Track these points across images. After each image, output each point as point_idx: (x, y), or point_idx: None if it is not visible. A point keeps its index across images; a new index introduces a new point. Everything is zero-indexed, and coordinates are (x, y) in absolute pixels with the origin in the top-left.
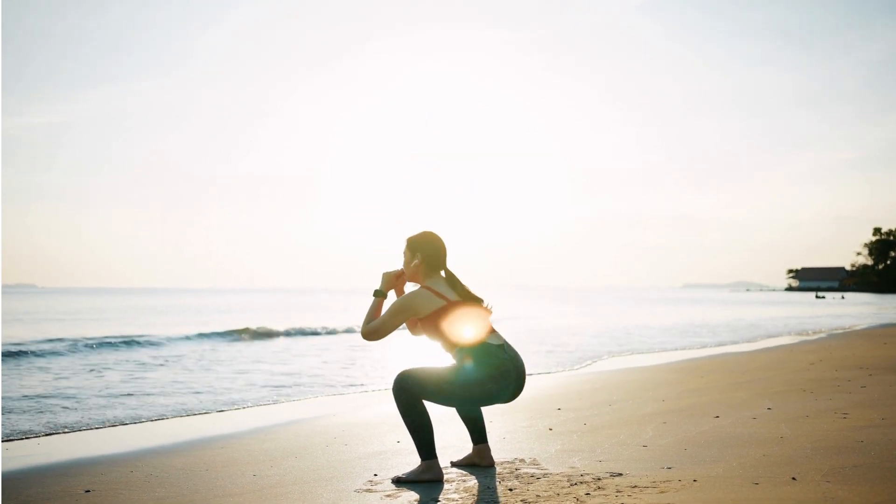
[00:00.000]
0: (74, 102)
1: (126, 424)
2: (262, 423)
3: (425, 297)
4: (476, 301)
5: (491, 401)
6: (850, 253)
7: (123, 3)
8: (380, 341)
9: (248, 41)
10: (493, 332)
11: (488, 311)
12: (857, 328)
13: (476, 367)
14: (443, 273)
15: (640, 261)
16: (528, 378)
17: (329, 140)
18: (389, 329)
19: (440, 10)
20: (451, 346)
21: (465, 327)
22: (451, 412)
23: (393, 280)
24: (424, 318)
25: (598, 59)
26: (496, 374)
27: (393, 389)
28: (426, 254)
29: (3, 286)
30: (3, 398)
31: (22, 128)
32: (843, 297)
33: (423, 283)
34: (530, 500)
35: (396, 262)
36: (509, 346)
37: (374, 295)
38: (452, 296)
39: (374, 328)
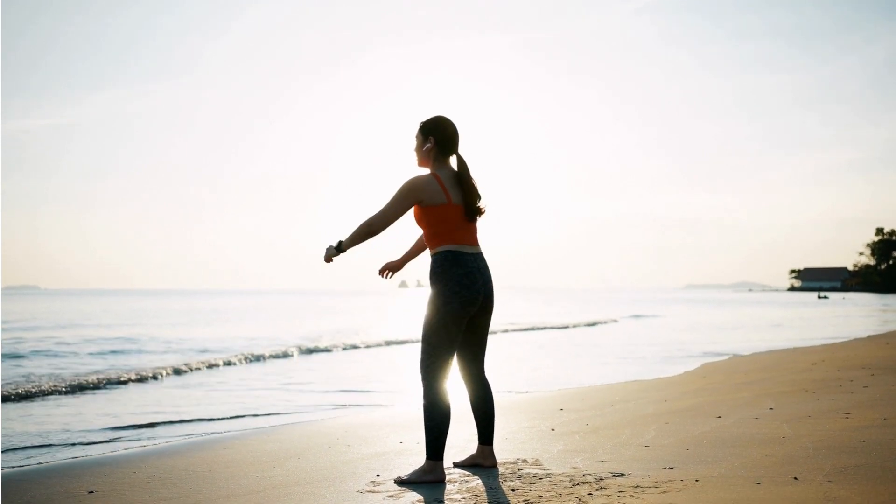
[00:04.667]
0: (80, 106)
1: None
2: (265, 424)
3: (432, 187)
4: (472, 203)
5: (467, 307)
6: (851, 253)
7: (129, 8)
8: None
9: (253, 47)
10: (474, 242)
11: (481, 211)
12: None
13: (445, 275)
14: (453, 159)
15: (642, 262)
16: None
17: (334, 143)
18: (398, 214)
19: (440, 16)
20: (432, 242)
21: (450, 231)
22: (455, 412)
23: (331, 256)
24: (421, 208)
25: (597, 61)
26: (464, 280)
27: (421, 382)
28: (439, 137)
29: (7, 287)
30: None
31: (27, 131)
32: (843, 298)
33: (433, 170)
34: (532, 500)
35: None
36: (482, 258)
37: (339, 249)
38: (454, 196)
39: (383, 212)
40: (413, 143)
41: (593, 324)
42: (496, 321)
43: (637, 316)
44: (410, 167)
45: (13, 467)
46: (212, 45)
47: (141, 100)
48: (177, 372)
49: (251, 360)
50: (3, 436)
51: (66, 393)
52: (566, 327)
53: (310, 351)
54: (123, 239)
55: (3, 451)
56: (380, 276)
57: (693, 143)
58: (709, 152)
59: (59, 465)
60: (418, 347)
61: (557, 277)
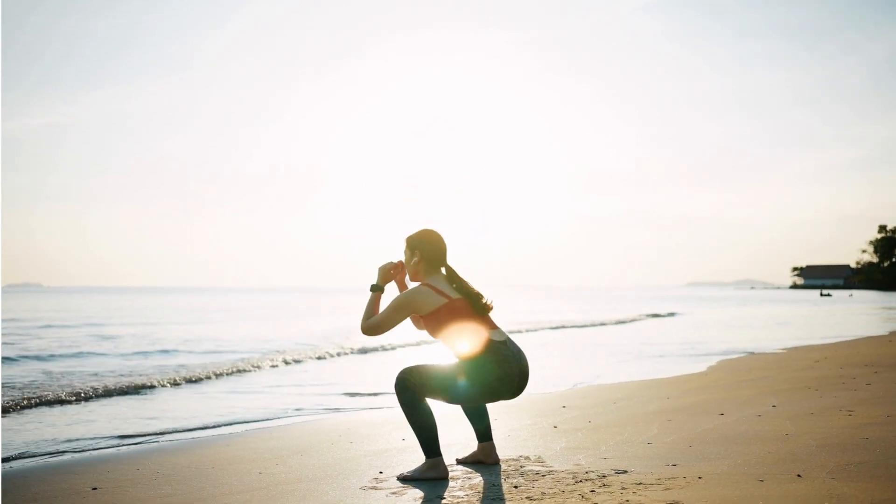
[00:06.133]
0: (78, 104)
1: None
2: (267, 422)
3: (426, 295)
4: (477, 298)
5: (494, 397)
6: (853, 251)
7: (127, 6)
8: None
9: (250, 43)
10: (494, 328)
11: (489, 307)
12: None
13: (478, 364)
14: (444, 270)
15: (644, 259)
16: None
17: (332, 140)
18: (390, 325)
19: (441, 12)
20: (454, 343)
21: (467, 324)
22: (456, 410)
23: (389, 273)
24: (426, 315)
25: (599, 58)
26: (499, 371)
27: (395, 387)
28: (426, 252)
29: (10, 286)
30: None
31: (25, 129)
32: (850, 295)
33: (424, 281)
34: (535, 497)
35: (396, 257)
36: (512, 342)
37: (372, 290)
38: (453, 293)
39: (375, 324)
40: (402, 256)
41: (621, 322)
42: (519, 320)
43: (657, 315)
44: (413, 169)
45: (17, 465)
46: (209, 42)
47: (139, 97)
48: (216, 375)
49: (288, 363)
50: (32, 441)
51: (103, 397)
52: (591, 325)
53: (363, 351)
54: (123, 236)
55: (27, 457)
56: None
57: (694, 141)
58: (710, 150)
59: (62, 462)
60: (415, 361)
61: (557, 275)
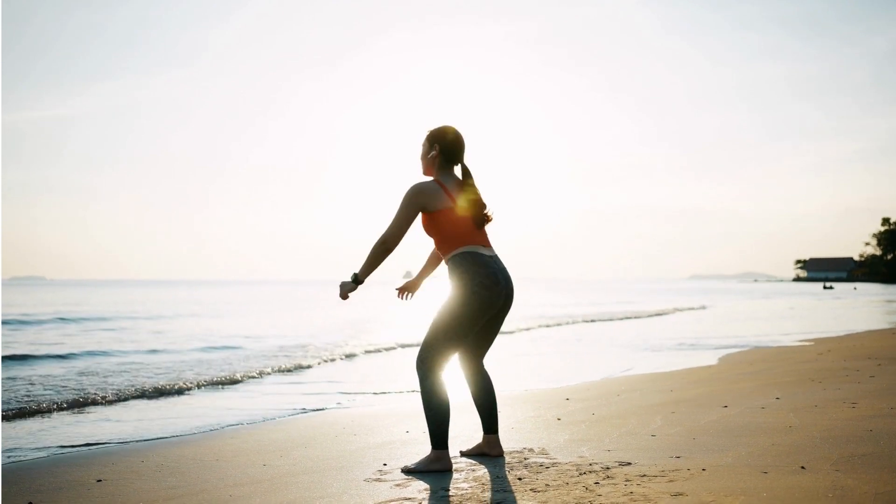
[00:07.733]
0: (82, 97)
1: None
2: (271, 414)
3: (435, 192)
4: (481, 208)
5: (482, 310)
6: (855, 243)
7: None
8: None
9: (255, 38)
10: (486, 243)
11: (489, 218)
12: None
13: (466, 272)
14: (458, 169)
15: (646, 252)
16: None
17: (335, 135)
18: (408, 220)
19: (442, 6)
20: (445, 248)
21: (462, 234)
22: (460, 401)
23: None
24: (428, 213)
25: (599, 51)
26: (485, 281)
27: (416, 373)
28: (443, 146)
29: (13, 278)
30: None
31: (29, 121)
32: (855, 288)
33: (437, 178)
34: (539, 489)
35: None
36: (498, 258)
37: (354, 280)
38: (461, 200)
39: (392, 224)
40: (420, 150)
41: (656, 314)
42: (543, 314)
43: (690, 308)
44: (409, 163)
45: (21, 458)
46: (213, 37)
47: (143, 91)
48: (261, 374)
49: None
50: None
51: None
52: (627, 318)
53: (404, 346)
54: (126, 229)
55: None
56: (399, 298)
57: (696, 134)
58: (712, 143)
59: (67, 455)
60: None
61: (559, 269)
